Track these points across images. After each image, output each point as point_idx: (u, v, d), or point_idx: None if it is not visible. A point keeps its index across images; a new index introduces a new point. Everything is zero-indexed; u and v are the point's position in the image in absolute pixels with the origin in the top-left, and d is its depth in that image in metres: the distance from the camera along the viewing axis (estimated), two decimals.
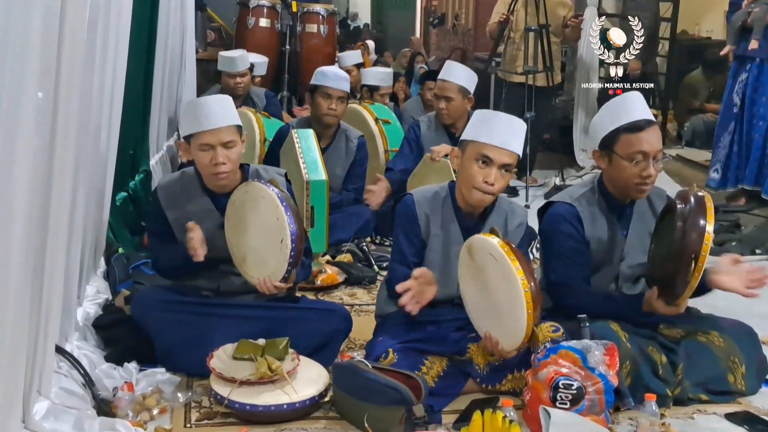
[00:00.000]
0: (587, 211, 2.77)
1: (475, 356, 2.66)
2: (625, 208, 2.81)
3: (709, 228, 2.45)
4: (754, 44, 5.29)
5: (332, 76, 4.49)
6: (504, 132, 2.66)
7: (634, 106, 2.72)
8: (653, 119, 2.75)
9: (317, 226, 3.95)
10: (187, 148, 2.81)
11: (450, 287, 2.74)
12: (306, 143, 4.13)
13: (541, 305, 2.46)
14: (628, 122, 2.68)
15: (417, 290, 2.56)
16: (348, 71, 6.31)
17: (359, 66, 6.41)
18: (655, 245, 2.71)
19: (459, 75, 4.50)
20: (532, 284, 2.39)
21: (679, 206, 2.52)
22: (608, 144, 2.71)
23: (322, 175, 3.98)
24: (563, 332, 2.56)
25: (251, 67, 5.67)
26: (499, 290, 2.46)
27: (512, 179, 2.86)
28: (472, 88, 4.53)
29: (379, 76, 6.01)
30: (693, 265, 2.45)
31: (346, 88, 4.52)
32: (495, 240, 2.49)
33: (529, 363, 2.49)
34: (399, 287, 2.56)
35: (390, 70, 6.38)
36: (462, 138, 2.75)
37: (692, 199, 2.52)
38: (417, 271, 2.59)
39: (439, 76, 4.57)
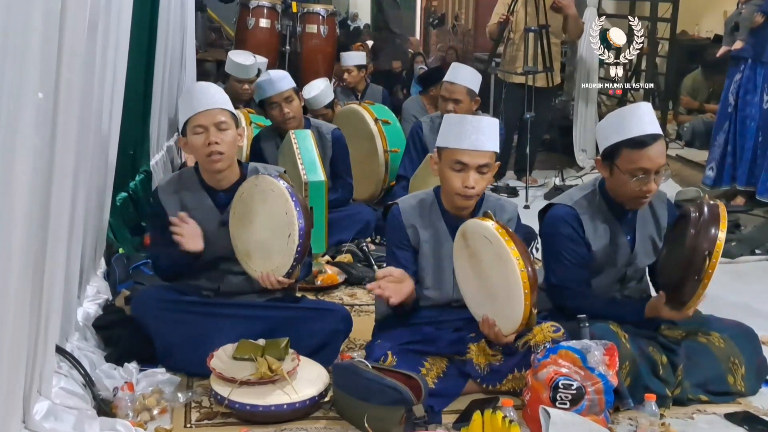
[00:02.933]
0: (588, 213, 2.76)
1: (475, 356, 2.66)
2: (627, 212, 2.78)
3: (722, 236, 2.44)
4: (738, 44, 5.29)
5: (266, 85, 4.43)
6: (472, 134, 2.63)
7: (640, 120, 2.63)
8: (659, 133, 2.66)
9: (316, 226, 3.94)
10: (185, 142, 2.82)
11: (445, 291, 2.75)
12: (304, 144, 4.13)
13: (538, 287, 2.46)
14: (632, 137, 2.61)
15: (390, 287, 2.56)
16: (348, 71, 6.30)
17: (360, 68, 6.34)
18: (666, 251, 2.71)
19: (466, 77, 4.50)
20: (528, 266, 2.39)
21: (693, 215, 2.51)
22: (610, 156, 2.67)
23: (320, 176, 3.97)
24: (563, 332, 2.56)
25: (257, 72, 5.62)
26: (495, 273, 2.47)
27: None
28: (477, 89, 4.53)
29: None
30: (702, 273, 2.45)
31: (285, 86, 4.40)
32: (489, 223, 2.49)
33: (529, 363, 2.49)
34: (368, 286, 2.67)
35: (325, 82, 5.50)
36: (436, 144, 2.74)
37: (706, 209, 2.51)
38: (380, 272, 2.61)
39: (446, 78, 4.55)
